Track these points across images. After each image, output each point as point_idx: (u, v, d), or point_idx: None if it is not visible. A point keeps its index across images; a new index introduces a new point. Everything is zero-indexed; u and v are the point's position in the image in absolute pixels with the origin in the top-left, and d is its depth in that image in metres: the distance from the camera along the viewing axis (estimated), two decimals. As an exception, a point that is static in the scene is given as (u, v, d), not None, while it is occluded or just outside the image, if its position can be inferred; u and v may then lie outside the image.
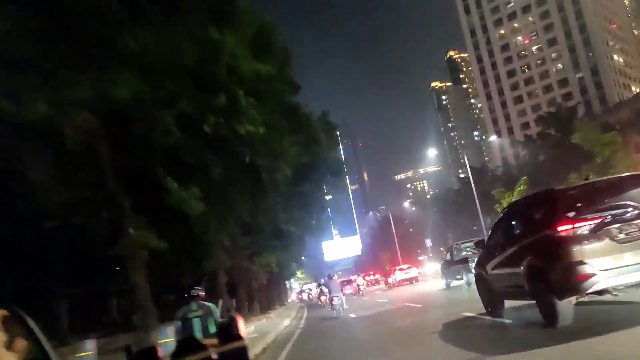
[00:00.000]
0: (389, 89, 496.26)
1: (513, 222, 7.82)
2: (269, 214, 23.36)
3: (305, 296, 66.59)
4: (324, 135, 25.09)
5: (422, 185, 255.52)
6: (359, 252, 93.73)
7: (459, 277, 21.47)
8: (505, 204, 33.18)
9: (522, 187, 43.50)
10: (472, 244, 18.77)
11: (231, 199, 17.00)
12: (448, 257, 23.92)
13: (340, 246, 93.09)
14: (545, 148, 51.09)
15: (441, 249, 62.70)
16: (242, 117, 13.96)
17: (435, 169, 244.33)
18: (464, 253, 21.76)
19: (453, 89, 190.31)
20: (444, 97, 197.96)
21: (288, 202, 24.80)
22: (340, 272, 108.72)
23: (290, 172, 19.80)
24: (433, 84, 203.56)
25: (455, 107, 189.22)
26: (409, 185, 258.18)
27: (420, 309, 15.51)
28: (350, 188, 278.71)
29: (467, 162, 47.34)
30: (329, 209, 40.03)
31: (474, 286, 10.64)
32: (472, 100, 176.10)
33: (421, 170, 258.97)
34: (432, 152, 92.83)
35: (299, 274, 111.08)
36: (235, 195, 17.20)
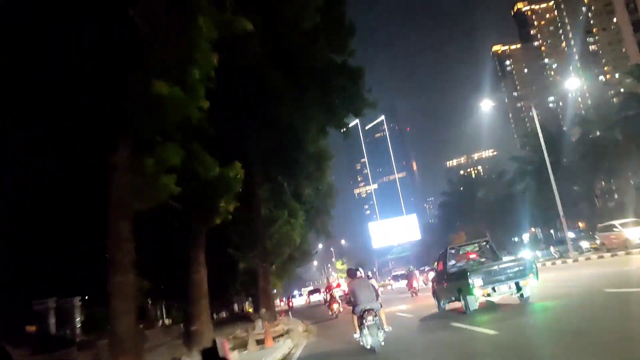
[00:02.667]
0: (442, 65, 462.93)
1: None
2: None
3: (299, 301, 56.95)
4: None
5: (476, 171, 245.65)
6: (418, 237, 71.35)
7: (454, 297, 14.74)
8: None
9: None
10: (476, 246, 16.20)
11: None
12: (440, 266, 16.67)
13: (392, 228, 71.34)
14: None
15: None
16: None
17: (491, 153, 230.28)
18: (460, 263, 15.63)
19: (521, 50, 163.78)
20: (507, 63, 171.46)
21: None
22: (392, 263, 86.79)
23: None
24: (494, 49, 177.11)
25: (523, 71, 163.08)
26: (461, 172, 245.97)
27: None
28: (398, 176, 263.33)
29: None
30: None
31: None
32: (546, 60, 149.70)
33: (475, 156, 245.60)
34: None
35: (338, 264, 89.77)
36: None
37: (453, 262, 16.03)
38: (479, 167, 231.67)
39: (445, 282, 15.72)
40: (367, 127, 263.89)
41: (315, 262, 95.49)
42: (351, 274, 12.29)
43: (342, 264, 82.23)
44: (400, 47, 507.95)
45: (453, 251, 16.51)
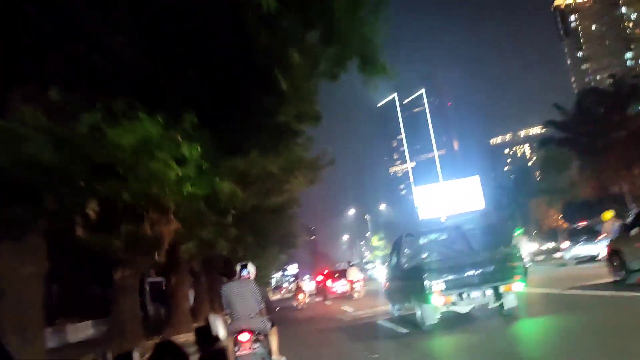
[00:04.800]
0: (492, 28, 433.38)
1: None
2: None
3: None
4: None
5: (522, 149, 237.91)
6: (482, 206, 55.46)
7: (407, 303, 11.34)
8: None
9: None
10: (443, 236, 12.16)
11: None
12: (394, 260, 12.74)
13: (446, 195, 55.92)
14: None
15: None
16: None
17: (539, 129, 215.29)
18: (422, 255, 11.58)
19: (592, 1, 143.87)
20: (572, 18, 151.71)
21: None
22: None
23: None
24: (557, 2, 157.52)
25: (590, 28, 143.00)
26: (506, 151, 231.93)
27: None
28: (437, 153, 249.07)
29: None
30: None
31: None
32: (624, 10, 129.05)
33: (522, 133, 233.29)
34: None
35: (374, 240, 73.58)
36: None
37: (408, 251, 11.83)
38: (526, 145, 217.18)
39: (399, 281, 12.28)
40: (404, 102, 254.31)
41: (345, 237, 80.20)
42: (229, 272, 7.98)
43: (380, 239, 66.46)
44: (444, 9, 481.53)
45: (409, 239, 12.14)
